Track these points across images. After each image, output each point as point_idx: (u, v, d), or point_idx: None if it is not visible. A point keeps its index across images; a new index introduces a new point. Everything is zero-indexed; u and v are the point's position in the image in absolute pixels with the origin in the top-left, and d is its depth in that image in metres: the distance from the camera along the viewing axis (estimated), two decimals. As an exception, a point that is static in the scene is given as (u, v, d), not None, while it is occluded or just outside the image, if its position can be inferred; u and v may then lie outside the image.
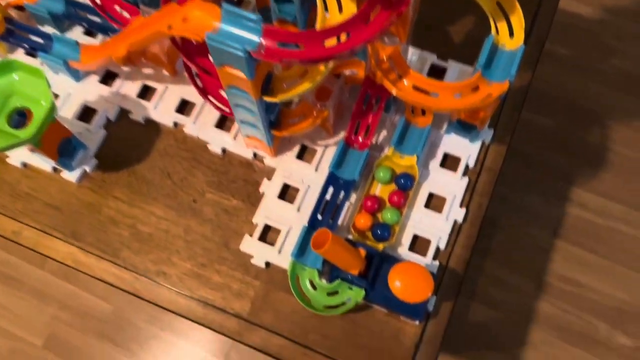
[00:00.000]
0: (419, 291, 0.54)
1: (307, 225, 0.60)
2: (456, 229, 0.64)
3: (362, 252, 0.57)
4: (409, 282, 0.54)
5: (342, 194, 0.62)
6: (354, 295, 0.58)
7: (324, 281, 0.59)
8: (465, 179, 0.65)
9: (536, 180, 1.22)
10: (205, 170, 0.68)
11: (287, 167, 0.66)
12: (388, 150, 0.64)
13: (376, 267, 0.57)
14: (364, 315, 0.60)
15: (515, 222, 1.19)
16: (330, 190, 0.62)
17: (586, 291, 1.13)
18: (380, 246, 0.60)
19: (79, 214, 0.66)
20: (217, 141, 0.68)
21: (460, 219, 0.64)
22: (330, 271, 0.58)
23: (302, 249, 0.60)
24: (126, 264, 0.64)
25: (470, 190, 0.65)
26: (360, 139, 0.64)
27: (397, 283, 0.54)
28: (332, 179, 0.62)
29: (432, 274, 0.54)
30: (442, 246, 0.62)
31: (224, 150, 0.68)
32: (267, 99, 0.52)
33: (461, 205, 0.64)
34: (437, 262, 0.62)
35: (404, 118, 0.64)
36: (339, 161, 0.63)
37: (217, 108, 0.64)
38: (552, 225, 1.18)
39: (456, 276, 0.62)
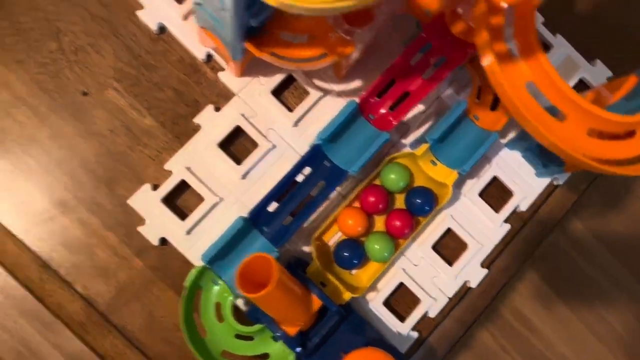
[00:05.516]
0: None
1: (245, 217, 0.36)
2: (459, 294, 0.42)
3: (316, 302, 0.34)
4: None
5: (321, 183, 0.37)
6: (277, 353, 0.36)
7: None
8: (506, 227, 0.42)
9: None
10: (121, 49, 0.40)
11: (252, 99, 0.40)
12: (420, 147, 0.39)
13: (328, 330, 0.35)
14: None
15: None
16: (307, 170, 0.37)
17: (535, 337, 0.98)
18: (346, 295, 0.36)
19: None
20: (156, 9, 0.40)
21: (474, 283, 0.41)
22: (253, 309, 0.35)
23: (223, 252, 0.35)
24: None
25: (504, 243, 0.43)
26: (383, 110, 0.38)
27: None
28: (315, 156, 0.37)
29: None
30: (432, 314, 0.41)
31: (161, 29, 0.40)
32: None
33: (483, 264, 0.42)
34: (414, 334, 0.40)
35: (462, 105, 0.38)
36: (337, 132, 0.37)
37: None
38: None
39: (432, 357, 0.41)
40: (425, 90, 0.37)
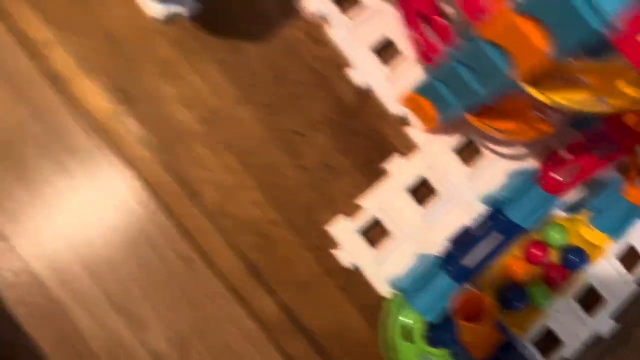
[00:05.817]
0: None
1: (437, 256, 0.42)
2: (591, 341, 0.48)
3: (499, 337, 0.40)
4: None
5: (498, 237, 0.44)
6: (452, 375, 0.42)
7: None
8: (635, 287, 0.48)
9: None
10: (330, 100, 0.47)
11: (434, 154, 0.47)
12: (581, 212, 0.45)
13: (502, 362, 0.41)
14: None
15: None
16: (486, 224, 0.44)
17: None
18: (516, 332, 0.43)
19: (139, 64, 0.45)
20: (366, 70, 0.47)
21: (605, 332, 0.47)
22: (436, 335, 0.41)
23: (415, 283, 0.42)
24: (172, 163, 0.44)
25: (631, 302, 0.49)
26: (558, 177, 0.45)
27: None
28: (494, 211, 0.44)
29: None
30: (570, 357, 0.47)
31: (366, 85, 0.47)
32: (531, 91, 0.32)
33: (614, 317, 0.48)
34: (553, 373, 0.46)
35: (619, 182, 0.45)
36: (514, 193, 0.44)
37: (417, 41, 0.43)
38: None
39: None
40: (596, 167, 0.44)
